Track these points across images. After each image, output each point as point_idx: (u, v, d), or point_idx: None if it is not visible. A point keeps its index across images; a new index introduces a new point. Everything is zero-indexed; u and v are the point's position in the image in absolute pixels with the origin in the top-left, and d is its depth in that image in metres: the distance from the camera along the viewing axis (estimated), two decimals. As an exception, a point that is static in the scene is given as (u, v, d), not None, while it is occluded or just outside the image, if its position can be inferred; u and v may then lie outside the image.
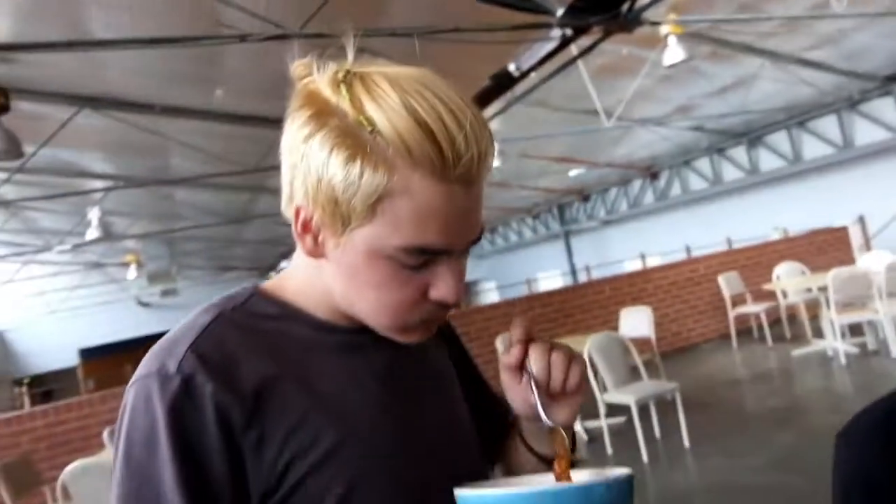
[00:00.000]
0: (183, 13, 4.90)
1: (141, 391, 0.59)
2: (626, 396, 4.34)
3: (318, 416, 0.62)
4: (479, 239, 0.64)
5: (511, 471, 0.83)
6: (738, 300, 7.75)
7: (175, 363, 0.59)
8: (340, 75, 0.59)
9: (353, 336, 0.68)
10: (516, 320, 0.68)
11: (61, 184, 8.84)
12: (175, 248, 15.02)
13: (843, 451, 0.80)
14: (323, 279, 0.67)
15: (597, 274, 13.59)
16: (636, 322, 5.77)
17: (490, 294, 21.95)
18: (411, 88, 0.57)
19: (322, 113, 0.59)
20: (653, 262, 12.16)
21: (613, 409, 5.02)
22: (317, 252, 0.64)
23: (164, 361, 0.60)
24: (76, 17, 4.90)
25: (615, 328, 5.64)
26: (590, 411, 5.07)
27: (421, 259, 0.60)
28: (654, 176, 14.06)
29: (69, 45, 4.72)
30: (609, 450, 4.62)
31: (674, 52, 6.18)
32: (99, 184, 9.19)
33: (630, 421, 4.58)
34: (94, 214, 9.27)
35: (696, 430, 4.54)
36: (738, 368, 6.86)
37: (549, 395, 0.67)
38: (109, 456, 4.07)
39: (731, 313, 7.59)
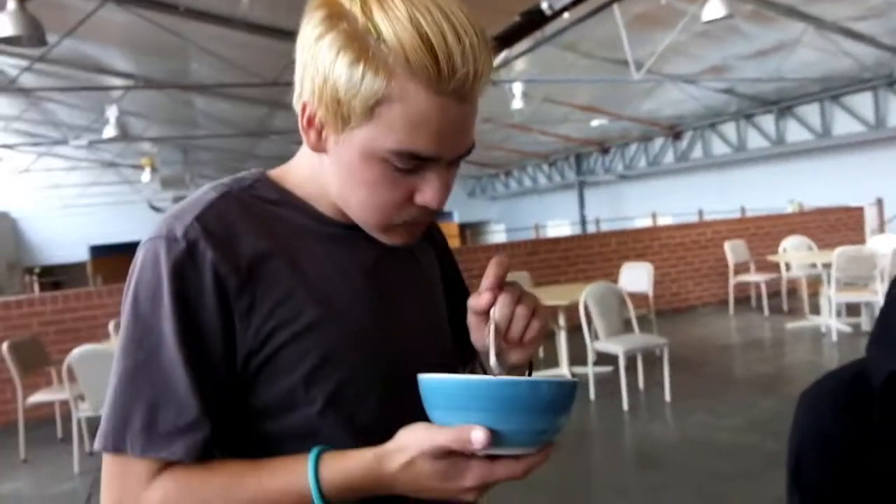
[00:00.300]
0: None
1: (150, 251, 0.66)
2: (616, 346, 4.44)
3: (303, 293, 0.69)
4: (468, 153, 0.68)
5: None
6: (741, 268, 7.77)
7: (182, 229, 0.66)
8: None
9: (347, 231, 0.74)
10: (493, 261, 0.69)
11: (81, 77, 8.79)
12: (190, 155, 15.02)
13: (803, 408, 0.82)
14: (323, 174, 0.72)
15: (606, 227, 13.57)
16: (636, 277, 5.83)
17: (498, 235, 22.01)
18: (421, 4, 0.60)
19: (334, 16, 0.62)
20: (663, 222, 12.11)
21: (602, 359, 5.14)
22: (319, 146, 0.69)
23: (172, 227, 0.66)
24: None
25: (615, 281, 5.70)
26: (578, 357, 5.20)
27: (411, 163, 0.65)
28: (677, 136, 13.82)
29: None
30: (592, 395, 4.77)
31: (714, 8, 5.98)
32: (119, 81, 9.14)
33: (616, 371, 4.70)
34: (111, 112, 9.24)
35: (679, 388, 4.67)
36: (731, 334, 6.96)
37: (507, 342, 0.70)
38: (114, 345, 4.24)
39: (732, 280, 7.62)
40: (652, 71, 8.18)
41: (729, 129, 12.65)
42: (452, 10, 0.61)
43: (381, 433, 0.66)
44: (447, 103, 0.62)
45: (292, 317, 0.67)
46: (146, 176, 14.00)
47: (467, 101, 0.64)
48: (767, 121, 11.76)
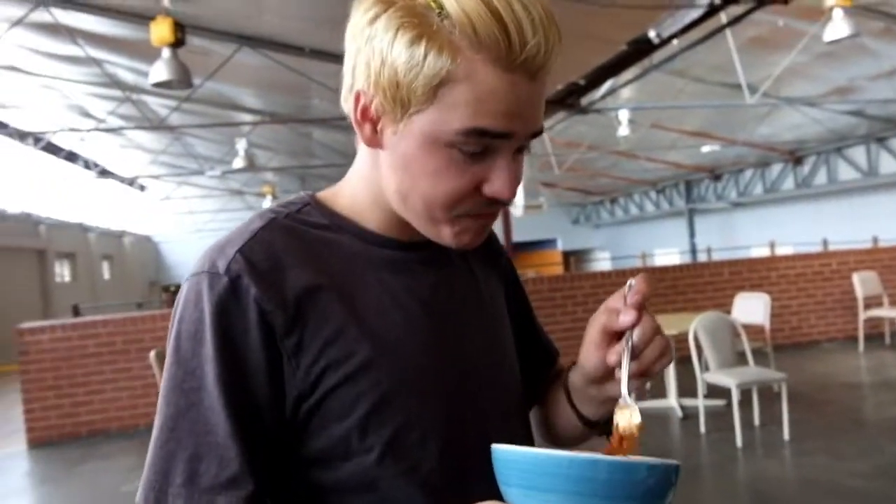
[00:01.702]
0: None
1: (192, 287, 0.62)
2: (728, 379, 4.27)
3: (355, 329, 0.62)
4: (538, 134, 0.62)
5: (547, 419, 0.82)
6: (872, 302, 7.19)
7: (224, 264, 0.61)
8: None
9: (401, 253, 0.68)
10: (640, 277, 0.64)
11: (217, 114, 9.73)
12: (307, 183, 16.04)
13: None
14: (377, 178, 0.66)
15: (718, 257, 12.99)
16: (751, 308, 5.57)
17: (603, 263, 21.57)
18: None
19: None
20: (782, 252, 11.42)
21: (713, 392, 4.95)
22: (374, 141, 0.63)
23: (215, 261, 0.62)
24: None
25: (728, 312, 5.48)
26: (688, 389, 5.04)
27: (479, 145, 0.59)
28: (798, 161, 13.06)
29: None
30: (703, 429, 4.60)
31: (838, 27, 5.70)
32: (248, 117, 10.00)
33: (729, 406, 4.52)
34: (241, 145, 10.14)
35: (800, 426, 4.40)
36: (860, 372, 6.44)
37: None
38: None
39: (863, 315, 7.07)
40: (768, 94, 7.87)
41: (857, 153, 11.81)
42: None
43: (444, 480, 0.63)
44: (518, 80, 0.57)
45: (344, 356, 0.61)
46: (267, 202, 15.10)
47: (538, 77, 0.58)
48: (903, 143, 10.89)
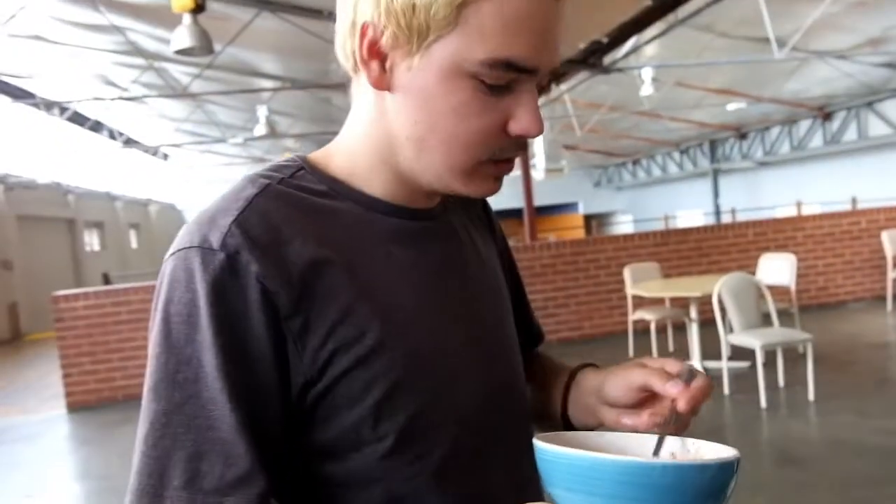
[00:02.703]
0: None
1: (181, 265, 0.54)
2: (752, 340, 4.27)
3: (365, 307, 0.57)
4: (556, 71, 0.61)
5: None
6: (902, 261, 7.09)
7: (219, 237, 0.54)
8: None
9: (409, 223, 0.63)
10: (701, 386, 0.58)
11: (238, 81, 9.73)
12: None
13: None
14: (383, 132, 0.60)
15: (743, 217, 12.81)
16: (777, 269, 5.52)
17: (625, 226, 21.40)
18: None
19: None
20: (809, 211, 11.23)
21: (738, 353, 4.96)
22: (383, 81, 0.57)
23: (207, 234, 0.55)
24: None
25: (753, 273, 5.45)
26: (712, 351, 5.05)
27: (505, 78, 0.54)
28: (827, 116, 12.71)
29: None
30: (726, 391, 4.62)
31: (873, -24, 5.50)
32: (268, 84, 9.98)
33: (753, 368, 4.53)
34: (262, 112, 10.15)
35: (825, 386, 4.40)
36: (887, 332, 6.39)
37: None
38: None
39: (892, 273, 6.97)
40: (797, 48, 7.63)
41: (890, 107, 11.45)
42: None
43: (459, 466, 0.60)
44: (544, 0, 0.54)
45: (354, 338, 0.56)
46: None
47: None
48: (938, 97, 10.53)
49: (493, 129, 0.56)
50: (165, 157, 18.27)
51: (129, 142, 14.67)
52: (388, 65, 0.56)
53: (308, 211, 0.59)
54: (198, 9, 5.38)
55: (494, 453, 0.63)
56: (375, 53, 0.56)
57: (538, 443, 0.50)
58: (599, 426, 0.66)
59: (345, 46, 0.59)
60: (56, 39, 8.75)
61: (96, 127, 13.73)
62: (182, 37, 5.49)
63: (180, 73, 9.55)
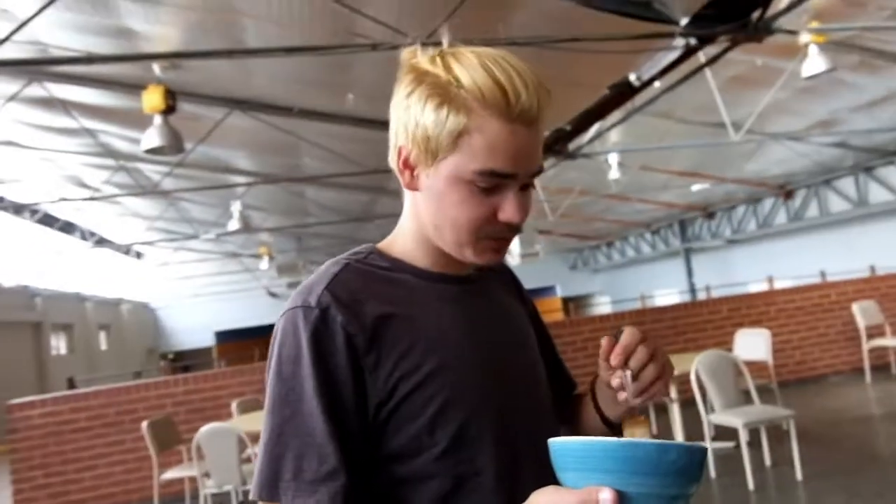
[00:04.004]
0: (324, 24, 5.35)
1: (289, 320, 0.78)
2: (735, 419, 4.16)
3: (422, 346, 0.78)
4: (539, 172, 0.80)
5: (575, 427, 0.98)
6: (874, 332, 7.11)
7: (315, 299, 0.77)
8: (437, 53, 0.79)
9: (453, 286, 0.86)
10: (628, 331, 0.79)
11: (210, 178, 9.82)
12: (302, 243, 16.08)
13: None
14: (420, 223, 0.83)
15: (717, 294, 12.91)
16: (752, 345, 5.49)
17: (603, 308, 21.44)
18: (489, 57, 0.76)
19: (420, 75, 0.78)
20: (781, 286, 11.37)
21: (721, 434, 4.82)
22: (413, 184, 0.82)
23: (306, 298, 0.78)
24: (233, 28, 5.49)
25: (729, 350, 5.40)
26: (695, 432, 4.90)
27: (492, 181, 0.77)
28: (789, 195, 13.16)
29: (228, 54, 5.30)
30: (713, 473, 4.45)
31: (815, 63, 5.84)
32: (241, 179, 10.10)
33: (738, 448, 4.39)
34: (235, 207, 10.18)
35: (813, 464, 4.27)
36: (869, 405, 6.30)
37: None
38: (237, 423, 4.51)
39: (866, 345, 6.98)
40: (753, 131, 7.98)
41: (847, 184, 11.92)
42: (514, 61, 0.77)
43: (498, 466, 0.78)
44: (517, 128, 0.75)
45: (414, 368, 0.77)
46: (264, 264, 15.09)
47: (534, 126, 0.77)
48: (890, 172, 10.99)
49: (486, 217, 0.78)
50: (138, 255, 18.13)
51: (101, 241, 14.57)
52: (415, 173, 0.81)
53: (377, 280, 0.82)
54: (169, 110, 5.49)
55: (527, 455, 0.81)
56: (407, 166, 0.81)
57: (551, 440, 0.63)
58: (622, 409, 0.88)
59: (392, 159, 0.83)
60: (28, 144, 8.83)
61: (67, 228, 13.65)
62: (152, 137, 5.57)
63: (152, 171, 9.64)
